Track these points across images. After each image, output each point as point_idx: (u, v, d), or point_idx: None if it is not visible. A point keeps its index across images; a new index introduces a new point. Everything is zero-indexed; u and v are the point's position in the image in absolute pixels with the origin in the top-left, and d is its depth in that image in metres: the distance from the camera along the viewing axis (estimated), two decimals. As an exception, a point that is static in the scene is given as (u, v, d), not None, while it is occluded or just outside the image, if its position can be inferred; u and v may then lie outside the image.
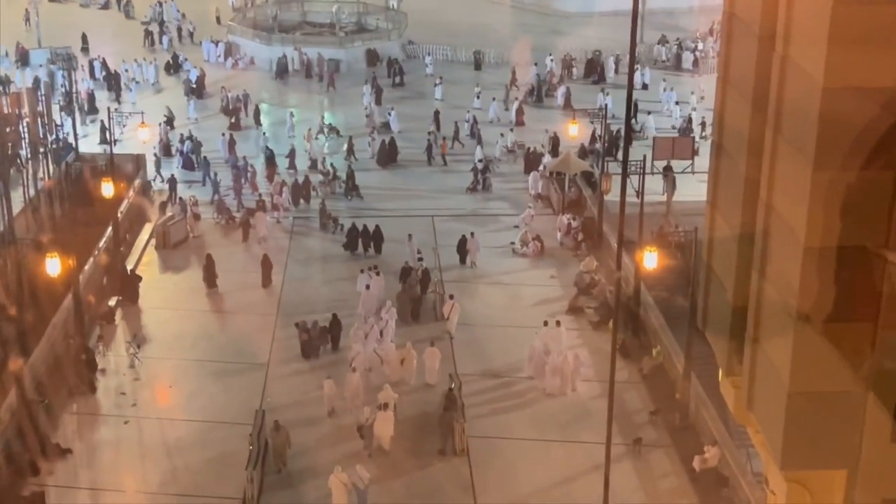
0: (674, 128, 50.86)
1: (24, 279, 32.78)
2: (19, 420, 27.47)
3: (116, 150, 40.74)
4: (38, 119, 42.21)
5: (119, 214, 38.79)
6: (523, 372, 31.26)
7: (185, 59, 61.37)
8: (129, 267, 36.90)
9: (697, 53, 63.31)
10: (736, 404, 13.29)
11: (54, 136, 44.08)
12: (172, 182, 43.36)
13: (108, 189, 36.28)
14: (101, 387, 30.49)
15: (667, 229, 38.05)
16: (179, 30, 68.89)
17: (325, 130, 50.79)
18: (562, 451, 28.01)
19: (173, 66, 61.09)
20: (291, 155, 46.67)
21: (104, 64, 58.67)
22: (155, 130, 47.67)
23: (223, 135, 48.70)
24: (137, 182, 43.34)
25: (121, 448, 27.99)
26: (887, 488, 11.53)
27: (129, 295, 35.21)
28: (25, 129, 40.87)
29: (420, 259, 36.54)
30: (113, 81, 56.98)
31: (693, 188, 37.87)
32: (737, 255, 12.69)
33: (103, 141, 47.21)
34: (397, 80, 59.56)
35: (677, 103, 53.34)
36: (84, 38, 64.22)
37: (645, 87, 57.37)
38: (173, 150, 47.75)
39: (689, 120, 51.07)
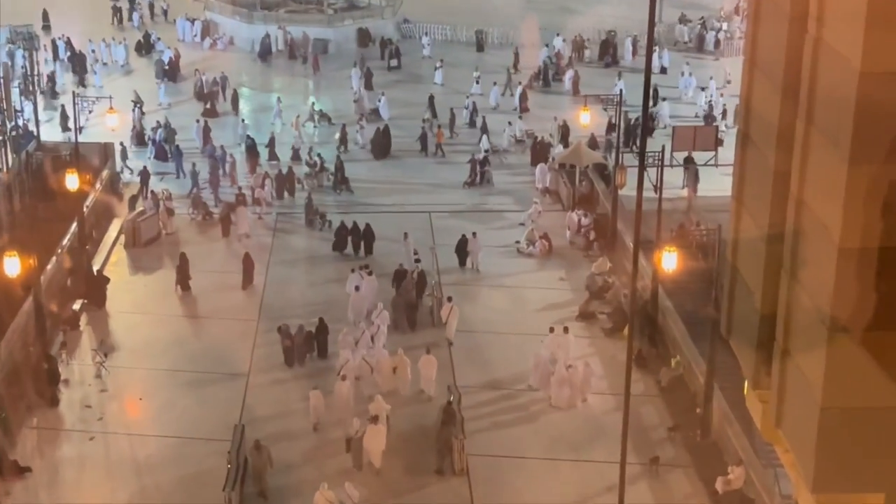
0: (697, 116, 50.92)
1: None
2: (-27, 435, 27.49)
3: (82, 138, 40.72)
4: (-4, 104, 42.28)
5: (85, 209, 38.80)
6: (528, 383, 31.27)
7: (158, 39, 61.44)
8: (96, 267, 36.88)
9: (722, 34, 63.35)
10: (763, 420, 13.27)
11: (13, 123, 44.07)
12: (144, 174, 43.35)
13: (72, 181, 36.28)
14: (64, 399, 30.46)
15: (688, 227, 38.11)
16: (152, 6, 68.97)
17: (316, 118, 50.83)
18: (571, 470, 28.00)
19: (145, 47, 61.16)
20: (271, 144, 46.70)
21: (69, 44, 58.70)
22: (124, 117, 47.65)
23: (197, 121, 48.74)
24: (105, 174, 43.35)
25: (85, 466, 27.95)
26: (929, 514, 11.53)
27: (95, 298, 35.19)
28: (-19, 116, 40.95)
29: (417, 260, 36.56)
30: (78, 63, 56.98)
31: (716, 182, 37.95)
32: (765, 257, 12.68)
33: (66, 128, 47.25)
34: (393, 62, 59.54)
35: (703, 89, 53.33)
36: (45, 15, 64.23)
37: (664, 70, 57.46)
38: (146, 139, 47.78)
39: (711, 107, 51.12)
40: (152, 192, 41.89)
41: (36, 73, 49.32)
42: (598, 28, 62.75)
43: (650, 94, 24.24)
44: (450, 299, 34.15)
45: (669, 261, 29.83)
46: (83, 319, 34.41)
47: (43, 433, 29.21)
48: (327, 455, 28.25)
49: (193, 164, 44.04)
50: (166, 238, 40.02)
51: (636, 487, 26.30)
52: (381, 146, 47.73)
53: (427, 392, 30.73)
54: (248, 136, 47.13)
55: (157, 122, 48.51)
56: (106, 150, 44.53)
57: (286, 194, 43.26)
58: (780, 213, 12.24)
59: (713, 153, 40.35)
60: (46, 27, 63.19)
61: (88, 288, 35.42)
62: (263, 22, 63.22)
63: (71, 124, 42.72)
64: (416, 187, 44.93)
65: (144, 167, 44.01)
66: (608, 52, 60.63)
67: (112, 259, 38.58)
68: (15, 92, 47.32)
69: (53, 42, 59.43)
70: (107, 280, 35.99)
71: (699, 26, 64.38)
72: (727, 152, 32.75)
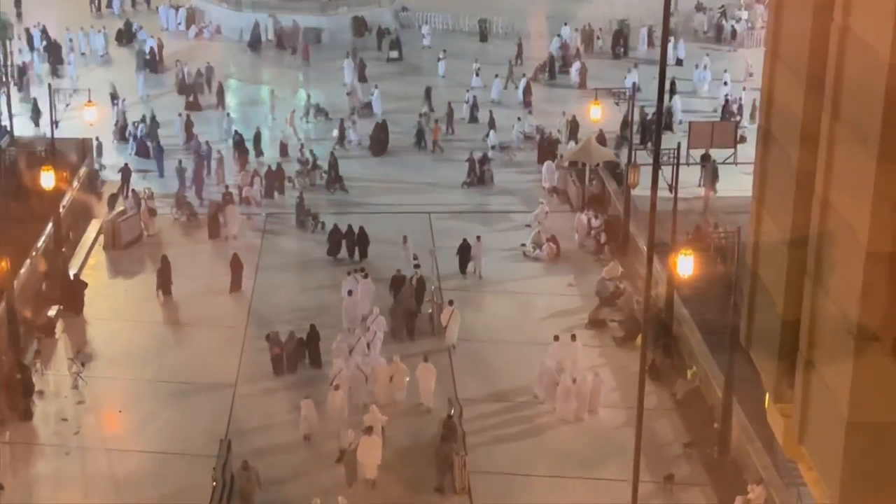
0: (715, 111, 50.93)
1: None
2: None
3: (58, 133, 40.74)
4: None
5: (61, 209, 38.77)
6: (534, 393, 31.29)
7: (140, 28, 61.44)
8: (73, 271, 36.86)
9: (742, 24, 63.35)
10: (785, 436, 13.29)
11: (-16, 117, 44.13)
12: (125, 171, 43.35)
13: (48, 179, 36.22)
14: (39, 411, 30.41)
15: (705, 230, 38.09)
16: (133, -8, 68.93)
17: (312, 112, 50.84)
18: (580, 489, 27.99)
19: (126, 36, 61.17)
20: (257, 139, 46.70)
21: (44, 32, 58.72)
22: (103, 110, 47.62)
23: (179, 115, 48.76)
24: (83, 171, 43.37)
25: (61, 483, 27.90)
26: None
27: (72, 304, 35.18)
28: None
29: (417, 266, 36.55)
30: (54, 53, 57.01)
31: (736, 181, 37.98)
32: (787, 261, 12.70)
33: (37, 123, 47.25)
34: (393, 53, 59.45)
35: (725, 83, 53.26)
36: (17, 1, 64.24)
37: (679, 62, 57.45)
38: (128, 134, 47.80)
39: (728, 101, 51.10)
40: (133, 190, 41.89)
41: (10, 63, 49.25)
42: (609, 17, 62.71)
43: (664, 88, 24.20)
44: (451, 302, 34.15)
45: (685, 265, 29.79)
46: (59, 326, 34.37)
47: (16, 448, 29.19)
48: (319, 469, 28.26)
49: (180, 161, 44.02)
50: (148, 240, 40.00)
51: (649, 507, 26.37)
52: (379, 142, 47.74)
53: (426, 404, 30.72)
54: (236, 132, 47.14)
55: (143, 115, 48.49)
56: (84, 146, 44.54)
57: (276, 193, 43.26)
58: (803, 214, 12.25)
59: (732, 150, 40.33)
60: (20, 14, 63.16)
61: (65, 293, 35.40)
62: (253, 9, 63.10)
63: (43, 119, 42.65)
64: (415, 186, 44.95)
65: (126, 164, 44.02)
66: (619, 42, 60.64)
67: (90, 262, 38.56)
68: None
69: (27, 31, 59.44)
70: (84, 284, 35.97)
71: (718, 15, 64.37)
72: (747, 149, 32.77)
